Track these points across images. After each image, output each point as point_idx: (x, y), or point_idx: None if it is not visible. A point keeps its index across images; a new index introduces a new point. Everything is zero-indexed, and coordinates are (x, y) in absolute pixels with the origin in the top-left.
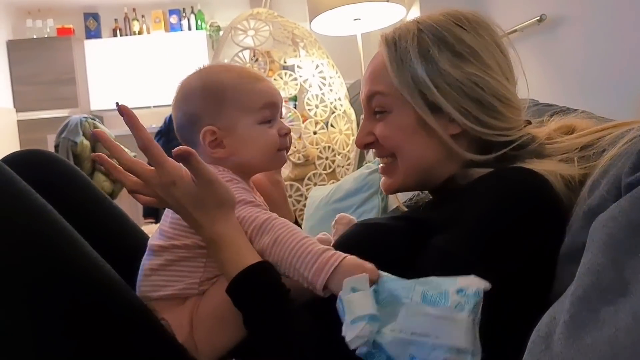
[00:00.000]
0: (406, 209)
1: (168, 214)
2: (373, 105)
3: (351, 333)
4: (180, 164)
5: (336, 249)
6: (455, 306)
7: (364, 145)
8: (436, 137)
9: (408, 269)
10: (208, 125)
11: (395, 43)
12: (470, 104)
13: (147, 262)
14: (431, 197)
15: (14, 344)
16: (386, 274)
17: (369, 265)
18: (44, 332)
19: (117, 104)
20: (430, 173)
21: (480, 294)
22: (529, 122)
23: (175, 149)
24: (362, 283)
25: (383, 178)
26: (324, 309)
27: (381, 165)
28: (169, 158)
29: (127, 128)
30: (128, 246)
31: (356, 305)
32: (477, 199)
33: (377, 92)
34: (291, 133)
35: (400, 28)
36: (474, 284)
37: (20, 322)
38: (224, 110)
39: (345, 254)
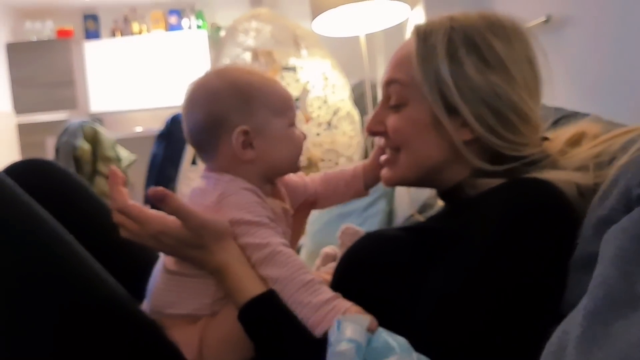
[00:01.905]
0: (422, 219)
1: None
2: (390, 93)
3: (338, 348)
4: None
5: (344, 262)
6: None
7: (372, 132)
8: (447, 139)
9: (416, 280)
10: (239, 125)
11: (426, 37)
12: (487, 113)
13: (159, 277)
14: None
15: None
16: (384, 330)
17: (369, 316)
18: (41, 345)
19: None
20: (434, 173)
21: None
22: (546, 139)
23: (150, 189)
24: (361, 320)
25: (384, 170)
26: None
27: (384, 156)
28: (150, 211)
29: (127, 131)
30: (130, 256)
31: (350, 330)
32: (490, 214)
33: (397, 80)
34: None
35: (434, 22)
36: None
37: (18, 334)
38: (255, 111)
39: (348, 305)
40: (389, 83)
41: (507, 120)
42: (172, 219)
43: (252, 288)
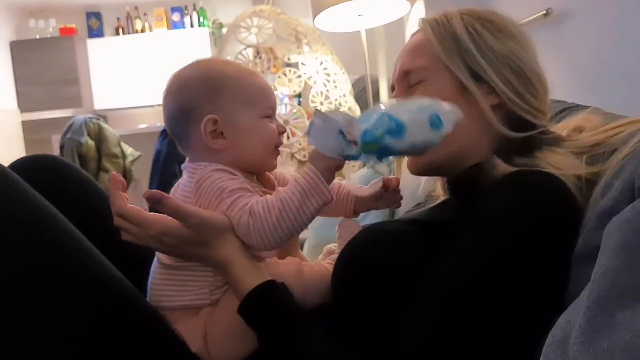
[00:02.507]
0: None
1: None
2: (409, 80)
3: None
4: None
5: (345, 258)
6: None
7: None
8: (473, 108)
9: (420, 275)
10: (208, 114)
11: (438, 21)
12: (511, 75)
13: (155, 272)
14: (445, 197)
15: (17, 352)
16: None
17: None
18: (48, 339)
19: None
20: (462, 149)
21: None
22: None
23: (145, 193)
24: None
25: (408, 158)
26: (332, 319)
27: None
28: (149, 213)
29: (131, 127)
30: (135, 250)
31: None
32: (495, 207)
33: (413, 68)
34: (296, 130)
35: (441, 12)
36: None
37: (24, 329)
38: (226, 101)
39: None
40: (406, 73)
41: (529, 83)
42: (172, 219)
43: (254, 280)
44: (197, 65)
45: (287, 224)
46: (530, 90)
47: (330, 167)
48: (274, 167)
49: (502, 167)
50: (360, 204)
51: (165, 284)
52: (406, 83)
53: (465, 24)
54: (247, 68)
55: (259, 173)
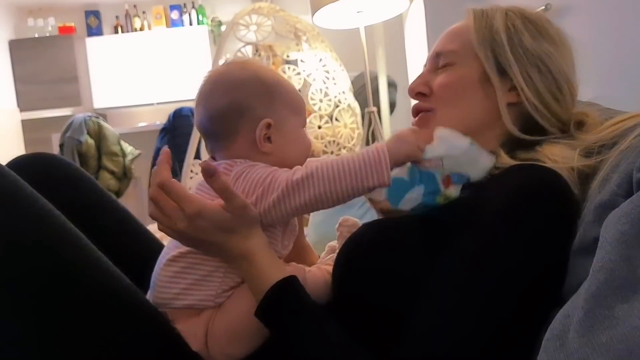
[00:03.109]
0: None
1: None
2: (440, 61)
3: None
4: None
5: (346, 252)
6: None
7: (415, 93)
8: (490, 100)
9: (420, 268)
10: (262, 117)
11: (482, 11)
12: (537, 76)
13: (163, 269)
14: None
15: (15, 352)
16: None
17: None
18: (51, 338)
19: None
20: (474, 138)
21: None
22: None
23: (201, 162)
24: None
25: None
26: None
27: (417, 118)
28: (190, 193)
29: (130, 126)
30: (135, 248)
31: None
32: (493, 202)
33: (450, 50)
34: None
35: (491, 5)
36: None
37: (26, 329)
38: (277, 106)
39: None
40: (439, 54)
41: (555, 87)
42: (210, 201)
43: (276, 276)
44: (245, 66)
45: (336, 189)
46: (554, 94)
47: (401, 155)
48: None
49: (504, 160)
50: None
51: (173, 283)
52: (435, 65)
53: (506, 19)
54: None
55: None
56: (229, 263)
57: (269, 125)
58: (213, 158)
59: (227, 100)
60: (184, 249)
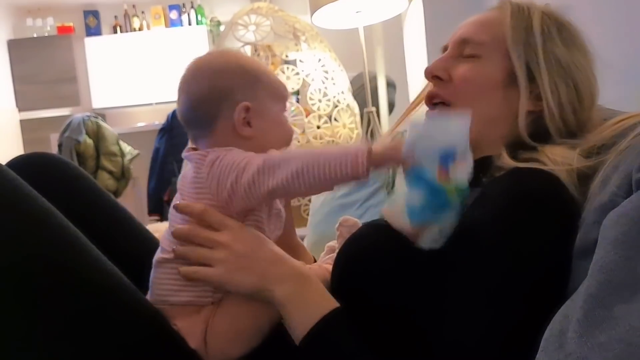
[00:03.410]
0: None
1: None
2: (465, 49)
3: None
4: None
5: (346, 251)
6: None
7: (432, 76)
8: (508, 103)
9: (421, 268)
10: (242, 101)
11: (520, 7)
12: (564, 87)
13: (158, 268)
14: None
15: (17, 351)
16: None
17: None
18: (49, 338)
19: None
20: (482, 139)
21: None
22: None
23: (179, 204)
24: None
25: None
26: None
27: (431, 108)
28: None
29: (129, 126)
30: (134, 247)
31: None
32: (492, 206)
33: (479, 40)
34: (294, 127)
35: (527, 2)
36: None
37: (23, 328)
38: (257, 92)
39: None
40: (465, 41)
41: (577, 99)
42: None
43: (324, 307)
44: (224, 54)
45: (312, 171)
46: (574, 106)
47: (381, 153)
48: None
49: (507, 161)
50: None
51: (169, 279)
52: (459, 51)
53: (542, 22)
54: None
55: None
56: (268, 293)
57: (247, 109)
58: (194, 149)
59: (207, 86)
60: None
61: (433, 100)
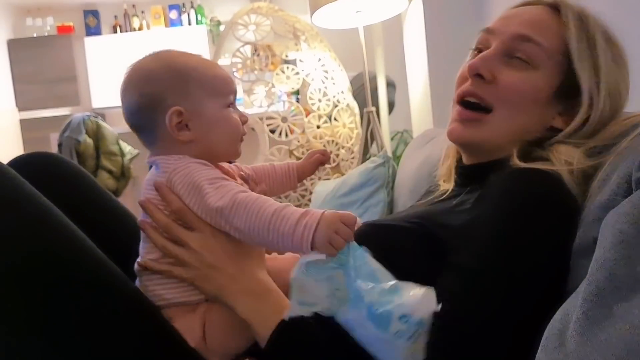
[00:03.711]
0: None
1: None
2: (517, 49)
3: (295, 311)
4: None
5: None
6: (396, 333)
7: (475, 74)
8: (544, 117)
9: (420, 268)
10: (173, 106)
11: (581, 17)
12: (607, 109)
13: (141, 276)
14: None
15: (20, 349)
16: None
17: (346, 215)
18: (50, 336)
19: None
20: (506, 145)
21: (424, 323)
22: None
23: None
24: (319, 266)
25: (458, 125)
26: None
27: (465, 110)
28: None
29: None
30: (134, 246)
31: (307, 291)
32: (492, 207)
33: (537, 41)
34: (295, 127)
35: (581, 8)
36: (419, 311)
37: (23, 327)
38: (190, 92)
39: (322, 212)
40: (524, 39)
41: (610, 117)
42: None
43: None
44: (158, 56)
45: (249, 237)
46: (605, 123)
47: (329, 240)
48: (239, 155)
49: (515, 162)
50: (301, 176)
51: (154, 285)
52: (511, 49)
53: (602, 37)
54: (207, 59)
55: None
56: (229, 304)
57: (179, 113)
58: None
59: (138, 95)
60: (154, 255)
61: (467, 99)
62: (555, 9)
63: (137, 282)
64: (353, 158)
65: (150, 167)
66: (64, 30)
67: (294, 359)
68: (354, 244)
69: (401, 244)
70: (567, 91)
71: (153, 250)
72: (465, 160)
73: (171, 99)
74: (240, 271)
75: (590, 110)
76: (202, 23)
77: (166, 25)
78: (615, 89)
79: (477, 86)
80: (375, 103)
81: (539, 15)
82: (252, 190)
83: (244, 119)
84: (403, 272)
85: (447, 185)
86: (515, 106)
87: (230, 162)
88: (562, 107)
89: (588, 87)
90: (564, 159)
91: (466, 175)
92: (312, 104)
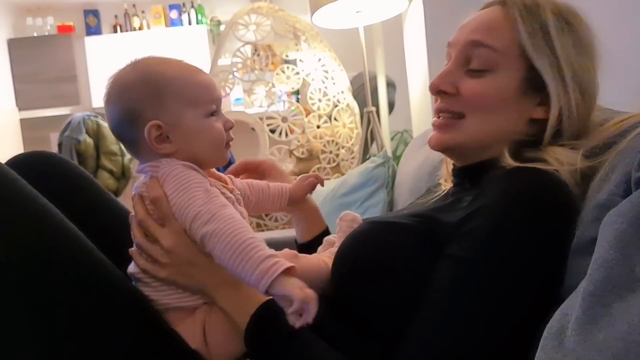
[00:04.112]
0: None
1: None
2: (472, 55)
3: None
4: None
5: (346, 248)
6: None
7: (438, 91)
8: (521, 110)
9: (420, 265)
10: (152, 120)
11: (531, 8)
12: (578, 95)
13: (136, 282)
14: (446, 185)
15: (17, 349)
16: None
17: (309, 292)
18: (50, 337)
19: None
20: (489, 145)
21: None
22: None
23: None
24: None
25: (436, 133)
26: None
27: (439, 119)
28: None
29: None
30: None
31: None
32: (489, 204)
33: (488, 44)
34: (295, 127)
35: None
36: None
37: (23, 327)
38: (168, 104)
39: (289, 265)
40: (472, 45)
41: (587, 103)
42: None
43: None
44: (136, 67)
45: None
46: (581, 111)
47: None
48: (226, 160)
49: (508, 161)
50: (292, 199)
51: (147, 291)
52: (466, 58)
53: (556, 23)
54: (191, 65)
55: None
56: (214, 294)
57: (158, 127)
58: None
59: (117, 109)
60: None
61: (440, 115)
62: (505, 4)
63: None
64: (353, 158)
65: None
66: (64, 29)
67: (271, 343)
68: None
69: (401, 241)
70: (535, 83)
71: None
72: (456, 163)
73: (149, 113)
74: (213, 265)
75: (560, 99)
76: (202, 23)
77: (166, 25)
78: (581, 73)
79: (444, 102)
80: (376, 103)
81: (489, 16)
82: (247, 203)
83: (228, 126)
84: (402, 269)
85: (447, 185)
86: (484, 110)
87: (218, 169)
88: (540, 97)
89: (551, 77)
90: (565, 160)
91: (460, 176)
92: (312, 104)
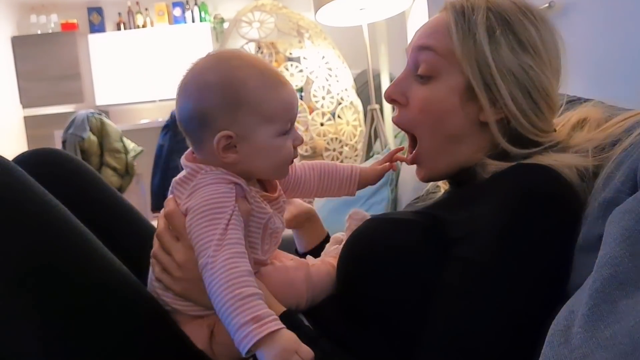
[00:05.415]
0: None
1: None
2: (419, 60)
3: None
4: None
5: (352, 246)
6: None
7: (391, 100)
8: (470, 118)
9: (425, 263)
10: (224, 129)
11: (464, 12)
12: (519, 93)
13: (150, 279)
14: (444, 190)
15: (19, 349)
16: None
17: (304, 349)
18: (52, 336)
19: None
20: (455, 158)
21: None
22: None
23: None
24: None
25: (416, 168)
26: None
27: (409, 155)
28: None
29: (133, 122)
30: (140, 243)
31: None
32: (495, 202)
33: (432, 47)
34: (298, 125)
35: (470, 0)
36: None
37: (24, 327)
38: (243, 116)
39: (281, 327)
40: (421, 48)
41: (536, 103)
42: None
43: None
44: (219, 65)
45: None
46: (536, 111)
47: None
48: (285, 176)
49: (496, 165)
50: (362, 183)
51: (161, 293)
52: (415, 65)
53: (488, 27)
54: (275, 74)
55: None
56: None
57: (228, 137)
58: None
59: (192, 106)
60: None
61: (401, 129)
62: (446, 9)
63: (149, 282)
64: (356, 155)
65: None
66: (67, 27)
67: None
68: None
69: (407, 237)
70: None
71: None
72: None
73: (222, 121)
74: None
75: (497, 103)
76: (205, 20)
77: (170, 23)
78: (523, 74)
79: (398, 112)
80: (379, 100)
81: (437, 19)
82: (306, 188)
83: (297, 143)
84: (409, 265)
85: (445, 186)
86: (431, 121)
87: None
88: (489, 102)
89: (481, 83)
90: (566, 160)
91: (454, 178)
92: (316, 102)
